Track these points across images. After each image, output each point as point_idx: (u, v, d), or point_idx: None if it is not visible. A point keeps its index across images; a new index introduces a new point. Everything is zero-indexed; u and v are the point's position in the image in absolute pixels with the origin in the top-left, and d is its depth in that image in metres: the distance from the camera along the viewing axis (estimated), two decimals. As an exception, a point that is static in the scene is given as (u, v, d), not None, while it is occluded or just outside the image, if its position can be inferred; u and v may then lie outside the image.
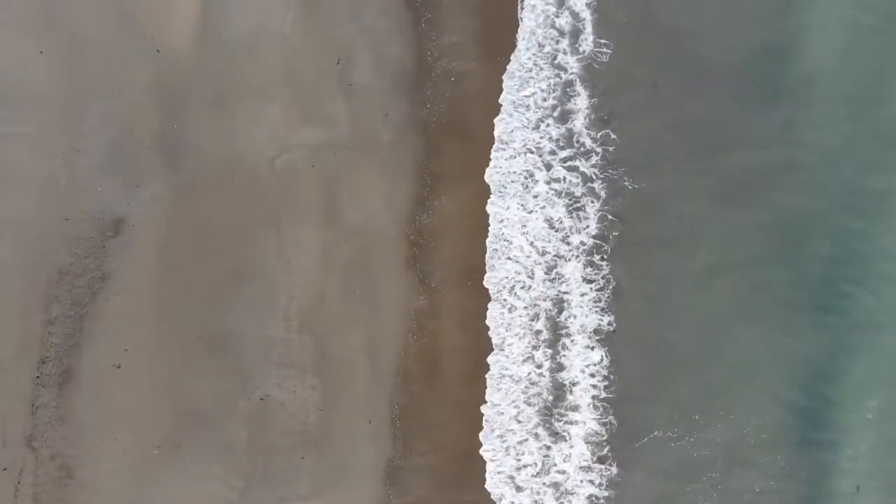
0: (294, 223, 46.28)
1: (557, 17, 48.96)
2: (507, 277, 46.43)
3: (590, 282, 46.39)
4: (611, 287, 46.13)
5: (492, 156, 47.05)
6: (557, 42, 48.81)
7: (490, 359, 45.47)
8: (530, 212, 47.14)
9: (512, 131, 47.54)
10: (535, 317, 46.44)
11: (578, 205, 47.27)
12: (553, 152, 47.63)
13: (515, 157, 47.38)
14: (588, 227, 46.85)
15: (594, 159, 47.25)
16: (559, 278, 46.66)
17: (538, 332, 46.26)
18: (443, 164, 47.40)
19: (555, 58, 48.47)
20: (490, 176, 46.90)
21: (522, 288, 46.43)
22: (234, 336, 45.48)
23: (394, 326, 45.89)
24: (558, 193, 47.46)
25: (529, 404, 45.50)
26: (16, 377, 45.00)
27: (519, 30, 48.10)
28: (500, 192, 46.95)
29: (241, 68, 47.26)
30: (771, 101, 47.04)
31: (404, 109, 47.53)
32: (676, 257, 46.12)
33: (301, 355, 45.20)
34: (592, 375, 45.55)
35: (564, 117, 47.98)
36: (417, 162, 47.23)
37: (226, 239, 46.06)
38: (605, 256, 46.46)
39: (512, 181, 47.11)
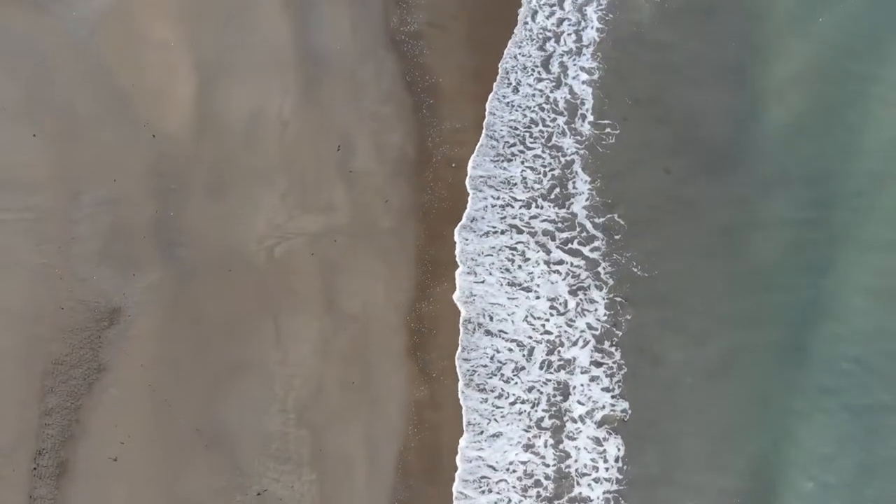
0: (292, 312, 45.70)
1: (554, 95, 48.92)
2: (492, 359, 46.00)
3: (599, 365, 46.10)
4: (622, 372, 45.83)
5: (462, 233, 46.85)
6: (554, 121, 48.69)
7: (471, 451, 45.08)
8: (527, 290, 46.92)
9: (486, 208, 47.39)
10: (535, 402, 46.19)
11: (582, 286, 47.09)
12: (548, 233, 47.47)
13: (500, 233, 47.17)
14: (596, 310, 46.64)
15: (597, 244, 47.12)
16: (563, 362, 46.34)
17: (539, 420, 46.01)
18: (444, 251, 47.01)
19: (549, 138, 48.31)
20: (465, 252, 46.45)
21: (515, 372, 46.13)
22: (231, 429, 44.85)
23: (394, 419, 45.44)
24: (556, 274, 47.30)
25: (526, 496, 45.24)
26: (13, 468, 44.21)
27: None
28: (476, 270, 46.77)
29: (238, 154, 46.66)
30: (784, 182, 47.09)
31: (405, 196, 47.10)
32: (690, 344, 45.89)
33: (299, 449, 44.63)
34: (605, 467, 45.24)
35: (562, 199, 47.83)
36: (418, 248, 46.84)
37: (223, 329, 45.42)
38: (616, 341, 46.13)
39: (495, 261, 46.92)
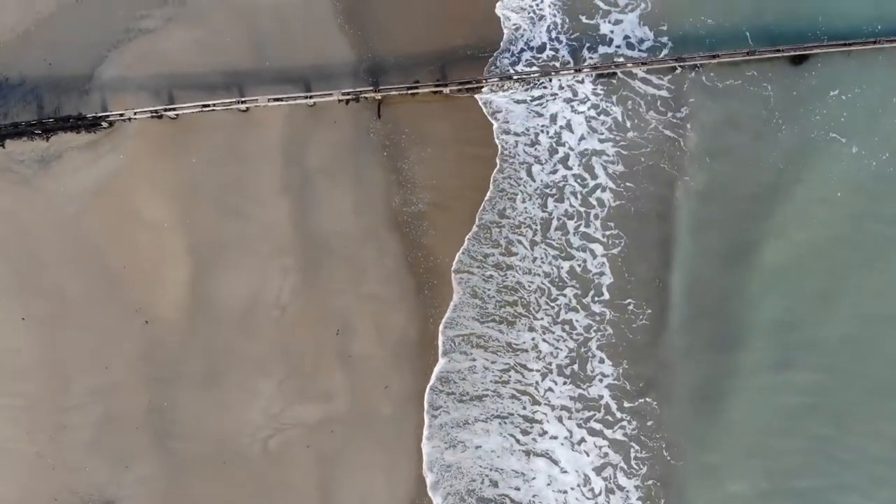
0: (289, 508, 44.29)
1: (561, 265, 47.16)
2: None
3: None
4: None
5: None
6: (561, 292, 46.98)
7: None
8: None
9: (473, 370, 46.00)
10: None
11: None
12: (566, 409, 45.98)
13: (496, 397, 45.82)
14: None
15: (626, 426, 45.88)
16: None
17: None
18: (445, 438, 45.47)
19: (558, 313, 46.64)
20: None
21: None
22: None
23: None
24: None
25: None
26: None
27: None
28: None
29: (234, 341, 45.05)
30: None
31: (406, 380, 45.48)
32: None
33: None
34: None
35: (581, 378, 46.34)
36: (419, 436, 45.22)
37: (217, 525, 44.11)
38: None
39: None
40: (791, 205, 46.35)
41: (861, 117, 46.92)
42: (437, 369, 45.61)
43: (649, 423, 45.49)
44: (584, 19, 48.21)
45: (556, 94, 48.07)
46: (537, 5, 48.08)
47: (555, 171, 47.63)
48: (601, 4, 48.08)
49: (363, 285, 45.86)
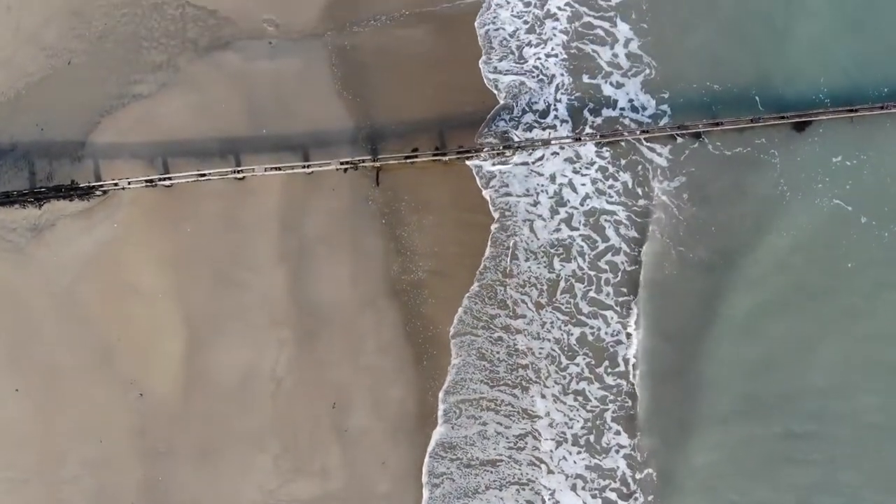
0: (282, 592, 43.61)
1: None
2: None
3: None
4: None
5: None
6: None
7: None
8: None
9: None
10: None
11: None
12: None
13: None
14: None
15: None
16: None
17: None
18: (446, 516, 44.78)
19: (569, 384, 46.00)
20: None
21: None
22: None
23: None
24: None
25: None
26: None
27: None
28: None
29: (229, 415, 44.32)
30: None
31: (404, 455, 44.77)
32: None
33: None
34: None
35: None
36: (418, 513, 44.61)
37: None
38: None
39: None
40: (800, 275, 45.42)
41: (869, 186, 45.92)
42: (436, 436, 44.84)
43: (654, 496, 44.83)
44: (585, 78, 47.40)
45: (557, 153, 47.37)
46: (538, 66, 47.36)
47: (559, 230, 46.86)
48: (604, 66, 47.40)
49: (360, 356, 45.13)
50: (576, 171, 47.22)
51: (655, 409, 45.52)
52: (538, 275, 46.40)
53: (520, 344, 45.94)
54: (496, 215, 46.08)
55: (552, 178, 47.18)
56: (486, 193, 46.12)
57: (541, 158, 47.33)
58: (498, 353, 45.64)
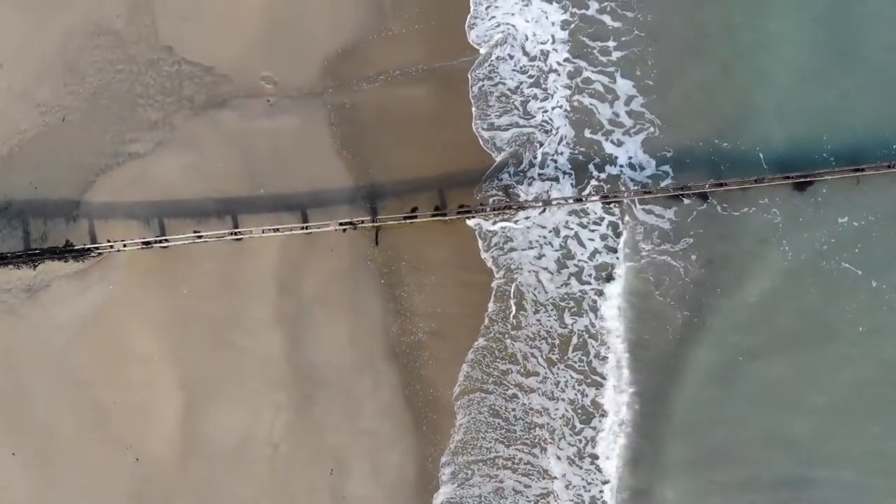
0: None
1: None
2: None
3: None
4: None
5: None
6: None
7: None
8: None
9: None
10: None
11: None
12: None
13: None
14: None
15: None
16: None
17: None
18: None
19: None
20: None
21: None
22: None
23: None
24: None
25: None
26: None
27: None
28: None
29: (225, 480, 43.77)
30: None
31: (404, 524, 44.26)
32: None
33: None
34: None
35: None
36: (417, 585, 44.02)
37: None
38: None
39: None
40: (809, 343, 44.42)
41: (880, 249, 44.84)
42: (440, 497, 44.24)
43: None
44: (588, 133, 46.70)
45: (561, 204, 46.61)
46: (540, 120, 46.72)
47: (568, 283, 46.12)
48: (605, 124, 46.68)
49: (358, 420, 44.51)
50: (582, 226, 46.55)
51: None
52: (549, 328, 45.76)
53: (534, 403, 45.34)
54: (500, 273, 45.58)
55: (556, 232, 46.68)
56: (486, 256, 45.47)
57: (543, 211, 46.74)
58: (513, 410, 45.01)
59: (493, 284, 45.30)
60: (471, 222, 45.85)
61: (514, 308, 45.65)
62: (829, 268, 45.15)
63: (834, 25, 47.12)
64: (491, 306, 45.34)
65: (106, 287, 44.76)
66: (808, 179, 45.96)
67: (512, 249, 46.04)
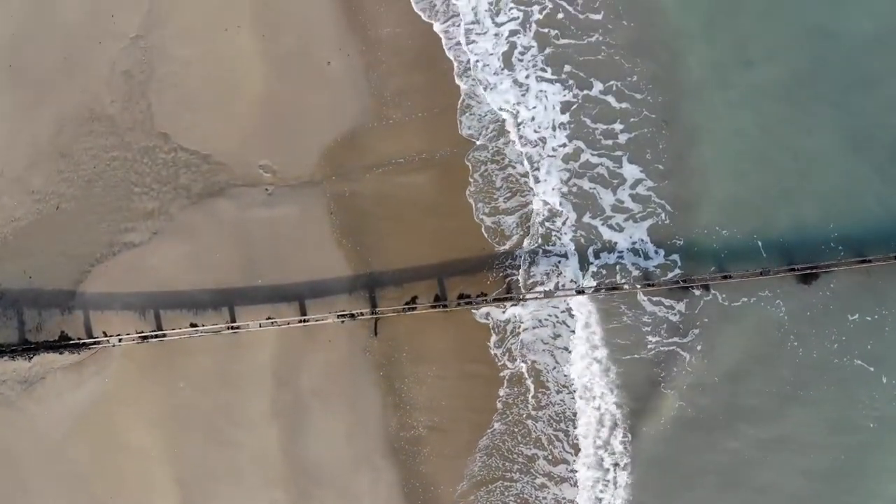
0: None
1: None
2: None
3: None
4: None
5: None
6: None
7: None
8: None
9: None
10: None
11: None
12: None
13: None
14: None
15: None
16: None
17: None
18: None
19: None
20: None
21: None
22: None
23: None
24: None
25: None
26: None
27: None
28: None
29: None
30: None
31: None
32: None
33: None
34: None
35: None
36: None
37: None
38: None
39: None
40: (820, 441, 43.87)
41: (891, 344, 44.14)
42: None
43: None
44: (588, 219, 45.91)
45: (564, 296, 45.77)
46: (545, 208, 45.84)
47: (588, 367, 45.36)
48: (608, 210, 45.89)
49: (356, 543, 43.97)
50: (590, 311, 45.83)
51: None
52: (574, 409, 44.95)
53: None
54: (513, 364, 44.83)
55: (568, 312, 45.81)
56: (494, 347, 44.83)
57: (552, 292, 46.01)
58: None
59: (505, 373, 44.72)
60: (479, 315, 45.19)
61: (532, 388, 45.16)
62: (842, 365, 44.50)
63: (844, 110, 46.44)
64: (503, 390, 44.74)
65: (102, 380, 44.18)
66: (814, 271, 45.36)
67: (523, 330, 45.30)
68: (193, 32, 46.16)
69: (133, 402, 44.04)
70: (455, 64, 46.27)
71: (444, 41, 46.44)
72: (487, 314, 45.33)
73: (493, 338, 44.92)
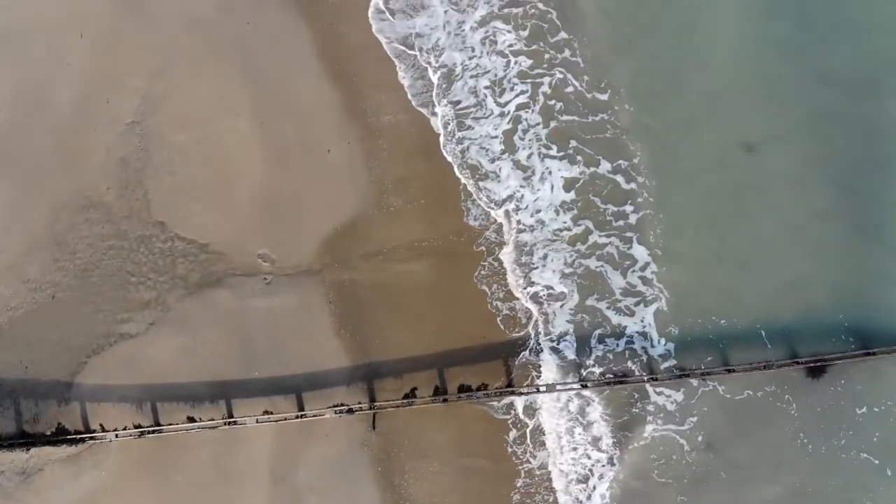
0: None
1: None
2: None
3: None
4: None
5: None
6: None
7: None
8: None
9: None
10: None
11: None
12: None
13: None
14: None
15: None
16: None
17: None
18: None
19: None
20: None
21: None
22: None
23: None
24: None
25: None
26: None
27: None
28: None
29: None
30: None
31: None
32: None
33: None
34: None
35: None
36: None
37: None
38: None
39: None
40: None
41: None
42: None
43: None
44: (591, 300, 45.43)
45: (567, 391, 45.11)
46: (552, 293, 45.33)
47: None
48: (616, 293, 45.24)
49: None
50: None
51: None
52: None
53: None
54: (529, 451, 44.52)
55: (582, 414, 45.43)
56: (514, 442, 44.37)
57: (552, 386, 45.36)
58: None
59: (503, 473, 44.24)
60: (498, 412, 44.64)
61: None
62: (849, 459, 44.01)
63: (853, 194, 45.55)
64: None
65: (99, 473, 43.59)
66: (819, 364, 44.56)
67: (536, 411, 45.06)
68: (191, 118, 45.32)
69: (131, 496, 43.49)
70: (451, 159, 45.90)
71: (441, 139, 46.10)
72: (506, 406, 44.91)
73: (495, 433, 44.40)
